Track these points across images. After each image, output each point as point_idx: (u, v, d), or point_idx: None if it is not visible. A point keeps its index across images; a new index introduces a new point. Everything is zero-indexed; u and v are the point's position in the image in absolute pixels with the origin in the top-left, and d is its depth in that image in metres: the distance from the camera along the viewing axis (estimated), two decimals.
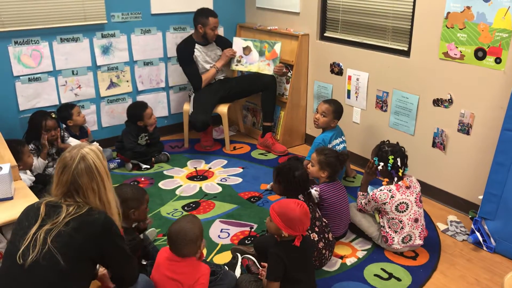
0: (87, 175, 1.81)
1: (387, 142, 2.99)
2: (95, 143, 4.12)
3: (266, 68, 4.40)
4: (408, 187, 2.83)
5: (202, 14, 4.24)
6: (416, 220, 2.85)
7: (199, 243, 2.28)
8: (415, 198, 2.84)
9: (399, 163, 2.85)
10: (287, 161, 2.91)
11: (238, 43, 4.52)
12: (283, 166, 2.81)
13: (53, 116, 3.66)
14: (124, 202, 2.51)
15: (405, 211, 2.82)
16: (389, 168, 2.87)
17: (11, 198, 2.33)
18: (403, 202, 2.81)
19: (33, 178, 3.22)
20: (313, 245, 2.57)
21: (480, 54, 3.05)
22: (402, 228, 2.84)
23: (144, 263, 2.59)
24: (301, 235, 2.30)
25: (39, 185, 3.16)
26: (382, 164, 2.89)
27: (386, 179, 2.91)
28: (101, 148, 2.02)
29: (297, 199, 2.63)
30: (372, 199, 2.88)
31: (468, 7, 3.04)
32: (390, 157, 2.85)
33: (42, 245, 1.71)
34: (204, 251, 2.92)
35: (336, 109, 3.63)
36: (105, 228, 1.82)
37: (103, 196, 1.86)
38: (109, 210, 1.89)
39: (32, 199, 2.35)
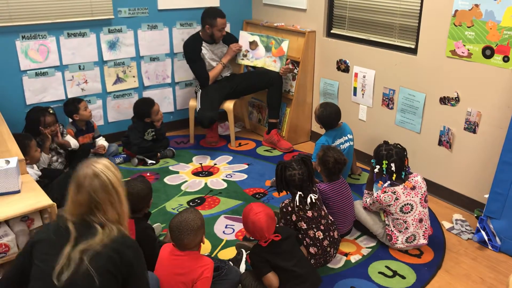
0: (103, 191, 1.79)
1: (387, 143, 2.94)
2: (100, 137, 4.14)
3: (272, 64, 4.39)
4: (413, 188, 2.82)
5: (209, 15, 4.23)
6: (420, 220, 2.84)
7: (201, 235, 2.29)
8: (420, 198, 2.83)
9: (393, 168, 2.81)
10: (290, 159, 2.90)
11: (245, 37, 4.52)
12: (279, 163, 2.81)
13: (51, 111, 3.67)
14: (144, 199, 2.58)
15: (409, 212, 2.81)
16: (384, 172, 2.86)
17: (18, 192, 2.34)
18: (407, 204, 2.80)
19: (39, 173, 3.24)
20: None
21: (488, 52, 3.03)
22: (406, 228, 2.84)
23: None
24: (265, 239, 2.42)
25: (45, 180, 3.18)
26: (378, 167, 2.89)
27: (381, 182, 2.90)
28: (113, 164, 1.95)
29: (295, 196, 2.69)
30: (377, 201, 2.87)
31: (477, 5, 3.02)
32: (384, 162, 2.84)
33: (78, 265, 1.68)
34: (208, 246, 2.93)
35: (319, 116, 3.59)
36: (137, 256, 1.81)
37: (119, 209, 1.84)
38: (123, 222, 1.87)
39: (39, 193, 2.36)
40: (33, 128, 3.54)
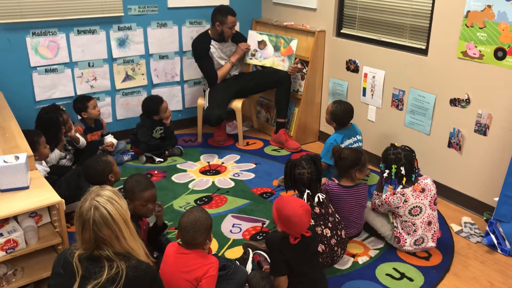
0: (106, 226, 1.72)
1: (394, 146, 2.90)
2: (109, 134, 4.15)
3: (281, 64, 4.38)
4: (422, 191, 2.80)
5: (221, 12, 4.22)
6: (429, 223, 2.82)
7: (210, 233, 2.30)
8: (429, 201, 2.80)
9: (403, 172, 2.78)
10: (300, 157, 2.87)
11: (254, 37, 4.51)
12: (288, 161, 2.80)
13: (64, 109, 3.67)
14: (128, 192, 2.56)
15: (418, 214, 2.79)
16: (393, 176, 2.84)
17: (27, 188, 2.35)
18: (416, 206, 2.78)
19: (48, 169, 3.25)
20: (316, 239, 2.53)
21: (500, 54, 3.00)
22: (415, 231, 2.82)
23: (155, 255, 2.60)
24: (297, 235, 2.32)
25: (54, 176, 3.19)
26: (387, 171, 2.86)
27: (391, 186, 2.87)
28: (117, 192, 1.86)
29: (302, 194, 2.67)
30: (385, 203, 2.85)
31: (489, 6, 2.99)
32: (393, 166, 2.81)
33: None
34: (215, 245, 2.93)
35: (334, 112, 3.56)
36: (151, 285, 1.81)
37: (124, 244, 1.77)
38: (135, 254, 1.81)
39: (47, 189, 2.37)
40: (54, 128, 3.51)
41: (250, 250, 2.77)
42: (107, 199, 1.75)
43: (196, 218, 2.23)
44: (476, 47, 3.13)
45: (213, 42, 4.32)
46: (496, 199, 2.93)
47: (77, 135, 3.78)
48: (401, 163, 2.79)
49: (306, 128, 4.57)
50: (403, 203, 2.78)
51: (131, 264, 1.75)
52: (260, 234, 3.08)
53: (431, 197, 2.81)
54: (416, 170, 2.84)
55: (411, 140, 3.58)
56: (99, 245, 1.74)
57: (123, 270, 1.72)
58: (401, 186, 2.82)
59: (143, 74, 4.51)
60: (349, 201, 2.92)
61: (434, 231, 2.85)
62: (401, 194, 2.79)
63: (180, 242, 2.29)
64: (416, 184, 2.81)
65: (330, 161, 3.47)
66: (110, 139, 4.10)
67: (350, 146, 3.44)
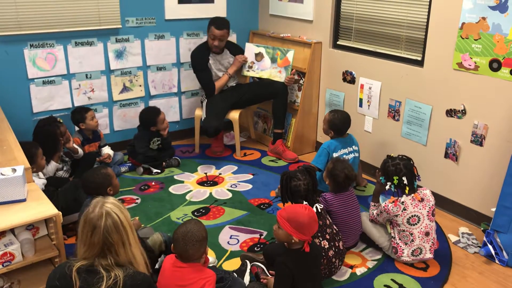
0: (116, 231, 1.80)
1: (392, 158, 2.91)
2: (106, 146, 4.15)
3: (278, 75, 4.40)
4: (421, 200, 2.80)
5: (209, 23, 4.26)
6: (427, 234, 2.82)
7: (205, 246, 2.28)
8: (428, 211, 2.81)
9: (405, 182, 2.80)
10: (295, 169, 2.88)
11: (251, 49, 4.54)
12: (284, 173, 2.81)
13: (61, 121, 3.67)
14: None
15: (416, 224, 2.79)
16: (393, 188, 2.85)
17: (24, 200, 2.35)
18: (415, 215, 2.79)
19: (45, 181, 3.24)
20: (320, 252, 2.56)
21: (495, 65, 3.03)
22: (412, 241, 2.82)
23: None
24: (310, 240, 2.31)
25: (51, 188, 3.18)
26: (389, 183, 2.87)
27: (393, 197, 2.88)
28: (121, 204, 1.93)
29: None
30: (384, 211, 2.85)
31: (484, 18, 3.02)
32: (395, 178, 2.82)
33: None
34: (213, 255, 2.92)
35: (332, 120, 3.59)
36: None
37: (128, 251, 1.83)
38: (135, 263, 1.86)
39: (45, 201, 2.37)
40: (52, 141, 3.49)
41: (248, 262, 2.76)
42: (115, 206, 1.85)
43: (187, 230, 2.22)
44: (471, 58, 3.15)
45: (211, 54, 4.34)
46: (493, 209, 2.94)
47: (75, 145, 3.78)
48: (402, 173, 2.81)
49: (303, 138, 4.58)
50: (402, 211, 2.78)
51: (129, 274, 1.78)
52: (258, 245, 3.07)
53: (430, 207, 2.82)
54: (417, 177, 2.86)
55: (408, 151, 3.59)
56: (104, 251, 1.78)
57: (121, 279, 1.74)
58: (404, 196, 2.82)
59: (140, 86, 4.52)
60: (345, 207, 2.94)
61: (432, 242, 2.85)
62: (400, 202, 2.79)
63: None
64: (415, 193, 2.82)
65: (321, 166, 3.49)
66: (107, 150, 4.10)
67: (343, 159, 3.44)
